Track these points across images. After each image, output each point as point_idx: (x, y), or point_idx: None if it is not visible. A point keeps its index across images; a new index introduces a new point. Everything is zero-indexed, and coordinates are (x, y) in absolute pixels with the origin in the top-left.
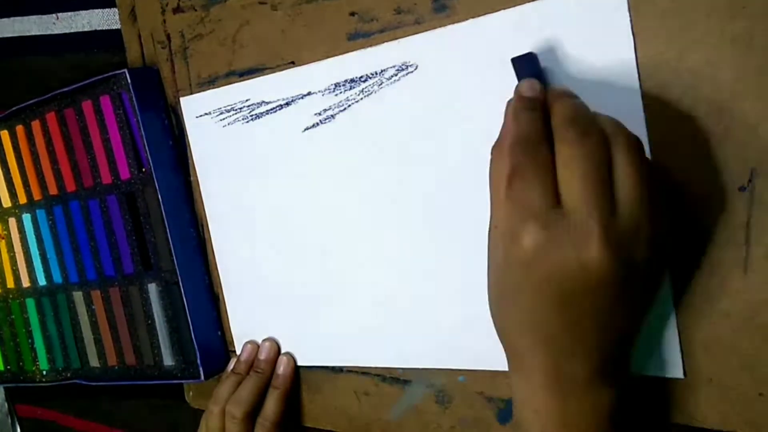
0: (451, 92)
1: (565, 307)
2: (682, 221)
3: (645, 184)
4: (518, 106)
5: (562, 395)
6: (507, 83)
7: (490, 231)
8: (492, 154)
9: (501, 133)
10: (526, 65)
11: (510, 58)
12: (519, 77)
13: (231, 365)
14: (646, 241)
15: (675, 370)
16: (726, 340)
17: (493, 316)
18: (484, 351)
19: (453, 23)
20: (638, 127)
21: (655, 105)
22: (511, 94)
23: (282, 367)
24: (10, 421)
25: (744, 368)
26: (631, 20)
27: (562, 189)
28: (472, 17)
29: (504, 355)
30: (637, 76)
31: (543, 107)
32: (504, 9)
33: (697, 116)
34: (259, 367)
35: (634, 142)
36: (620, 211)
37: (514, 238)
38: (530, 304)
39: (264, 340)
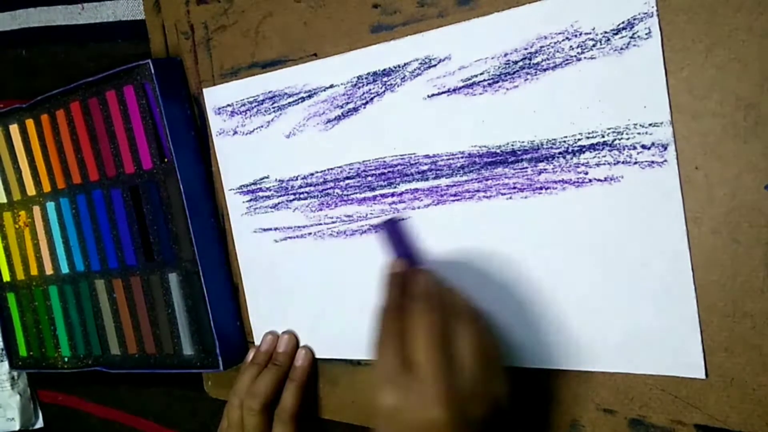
0: (474, 86)
1: None
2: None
3: (483, 353)
4: (386, 281)
5: None
6: (530, 79)
7: None
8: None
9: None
10: (393, 233)
11: (378, 223)
12: (390, 242)
13: (250, 355)
14: (483, 402)
15: (696, 370)
16: (748, 341)
17: None
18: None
19: (477, 17)
20: (663, 119)
21: (681, 99)
22: (531, 92)
23: (300, 360)
24: (32, 406)
25: (766, 369)
26: (658, 14)
27: (412, 356)
28: (496, 11)
29: (520, 350)
30: (663, 71)
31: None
32: (528, 3)
33: (724, 112)
34: (278, 360)
35: (475, 316)
36: (461, 375)
37: (377, 397)
38: None
39: (283, 333)
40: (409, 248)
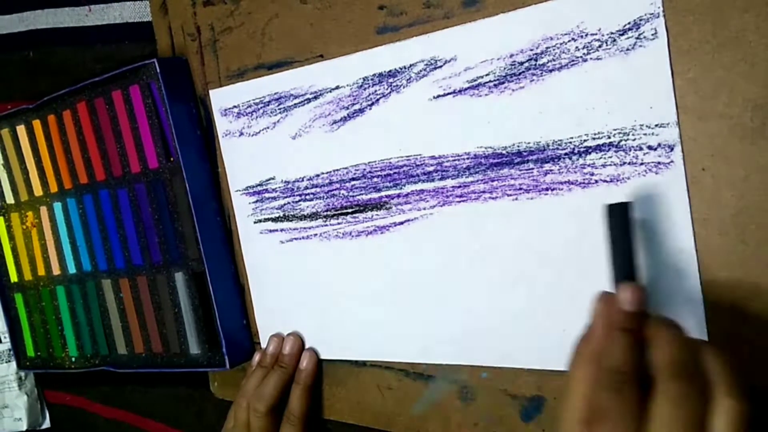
0: (480, 87)
1: None
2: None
3: None
4: (614, 319)
5: None
6: (536, 80)
7: None
8: (573, 364)
9: (586, 342)
10: (621, 221)
11: (606, 204)
12: (611, 232)
13: (257, 358)
14: None
15: None
16: (757, 342)
17: None
18: (507, 348)
19: (483, 18)
20: (669, 120)
21: (688, 100)
22: (536, 92)
23: (305, 362)
24: (39, 406)
25: None
26: (664, 15)
27: None
28: (502, 12)
29: (528, 351)
30: (670, 71)
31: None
32: (534, 4)
33: (732, 113)
34: (283, 362)
35: (739, 403)
36: None
37: None
38: None
39: (288, 335)
40: (633, 256)
